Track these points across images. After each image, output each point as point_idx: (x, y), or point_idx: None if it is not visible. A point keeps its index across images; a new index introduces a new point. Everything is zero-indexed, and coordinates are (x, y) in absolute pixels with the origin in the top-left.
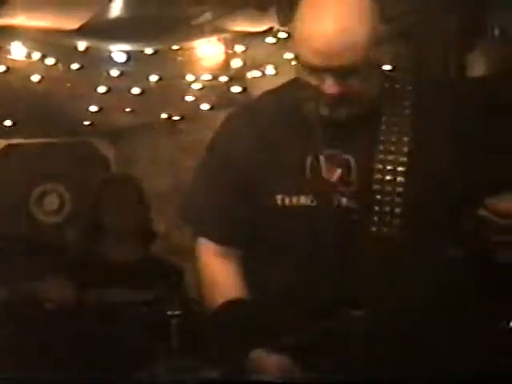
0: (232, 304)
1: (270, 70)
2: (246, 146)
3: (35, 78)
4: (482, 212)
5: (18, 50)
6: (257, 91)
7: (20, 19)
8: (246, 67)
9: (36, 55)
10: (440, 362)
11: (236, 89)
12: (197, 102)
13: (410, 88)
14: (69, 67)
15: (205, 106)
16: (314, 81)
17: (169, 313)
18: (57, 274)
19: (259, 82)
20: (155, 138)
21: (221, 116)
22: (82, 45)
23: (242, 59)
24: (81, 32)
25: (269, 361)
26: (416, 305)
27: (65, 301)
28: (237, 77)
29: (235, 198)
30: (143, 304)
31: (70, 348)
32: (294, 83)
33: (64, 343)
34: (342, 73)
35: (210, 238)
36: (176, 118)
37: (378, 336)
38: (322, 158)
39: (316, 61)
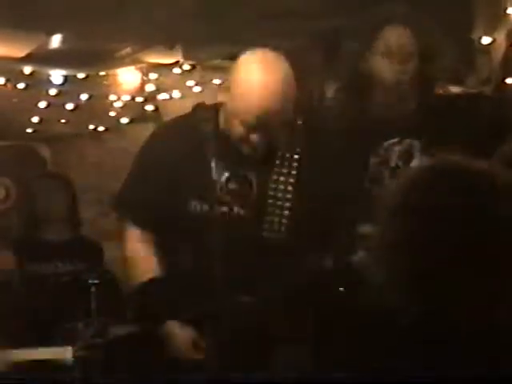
0: (150, 282)
1: (175, 93)
2: (169, 159)
3: None
4: (363, 229)
5: None
6: (165, 110)
7: None
8: (157, 91)
9: None
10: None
11: (149, 107)
12: (118, 117)
13: (299, 133)
14: (16, 86)
15: (124, 120)
16: (241, 131)
17: (90, 281)
18: (3, 250)
19: (167, 103)
20: (84, 144)
21: (136, 128)
22: (27, 69)
23: (154, 84)
24: (27, 59)
25: (182, 333)
26: (290, 295)
27: (9, 271)
28: (150, 98)
29: (159, 198)
30: (70, 274)
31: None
32: (197, 110)
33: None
34: (265, 128)
35: (138, 224)
36: (101, 129)
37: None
38: (229, 177)
39: (249, 118)
